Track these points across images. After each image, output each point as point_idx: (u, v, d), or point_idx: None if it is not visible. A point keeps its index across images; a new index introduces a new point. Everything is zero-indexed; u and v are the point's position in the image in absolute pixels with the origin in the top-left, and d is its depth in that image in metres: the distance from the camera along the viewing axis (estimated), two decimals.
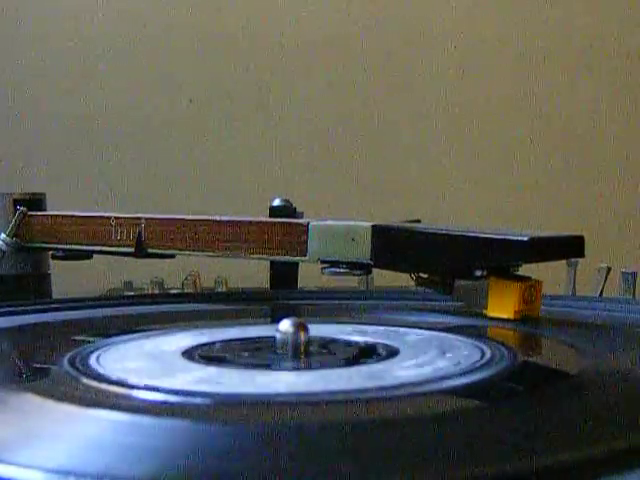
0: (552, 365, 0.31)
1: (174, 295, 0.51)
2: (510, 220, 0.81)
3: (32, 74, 0.84)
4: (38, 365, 0.31)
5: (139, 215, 0.47)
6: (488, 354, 0.28)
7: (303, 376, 0.26)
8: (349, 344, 0.31)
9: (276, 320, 0.29)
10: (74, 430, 0.21)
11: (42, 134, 0.83)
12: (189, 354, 0.29)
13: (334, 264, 0.41)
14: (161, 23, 0.84)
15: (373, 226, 0.40)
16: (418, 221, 0.43)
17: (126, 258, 0.47)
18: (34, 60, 0.84)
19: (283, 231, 0.43)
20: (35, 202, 0.51)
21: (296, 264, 0.50)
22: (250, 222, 0.44)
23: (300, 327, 0.28)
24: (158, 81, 0.84)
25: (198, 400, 0.23)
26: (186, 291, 0.55)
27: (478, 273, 0.38)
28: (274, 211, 0.50)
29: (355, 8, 0.85)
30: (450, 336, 0.33)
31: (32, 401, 0.24)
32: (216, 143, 0.84)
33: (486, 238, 0.36)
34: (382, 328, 0.34)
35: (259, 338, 0.32)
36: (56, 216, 0.50)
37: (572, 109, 0.85)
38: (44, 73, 0.84)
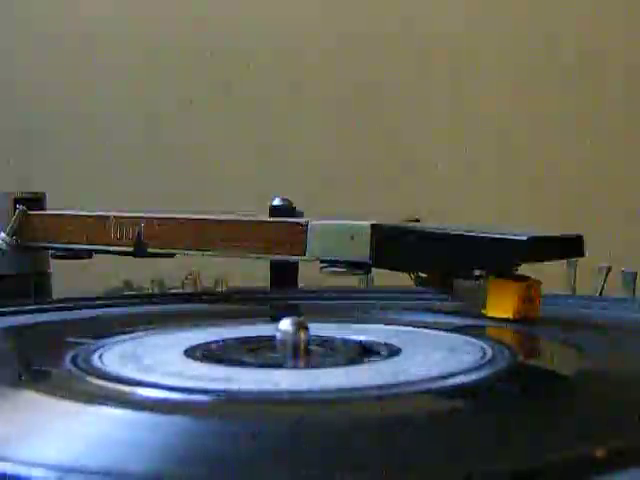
0: (552, 365, 0.31)
1: (174, 295, 0.51)
2: (510, 219, 0.81)
3: (32, 74, 0.84)
4: (40, 364, 0.31)
5: (139, 215, 0.47)
6: (488, 354, 0.28)
7: (303, 375, 0.26)
8: (349, 343, 0.31)
9: (276, 319, 0.29)
10: (77, 427, 0.21)
11: (42, 134, 0.83)
12: (190, 353, 0.29)
13: (333, 263, 0.41)
14: (161, 23, 0.84)
15: (372, 225, 0.40)
16: (418, 221, 0.43)
17: (126, 258, 0.47)
18: (34, 60, 0.84)
19: (283, 230, 0.43)
20: (35, 201, 0.51)
21: (296, 264, 0.50)
22: (250, 222, 0.44)
23: (300, 326, 0.28)
24: (158, 81, 0.84)
25: (199, 398, 0.23)
26: (186, 291, 0.55)
27: (477, 273, 0.38)
28: (274, 210, 0.50)
29: (357, 7, 0.85)
30: (450, 335, 0.33)
31: (36, 399, 0.24)
32: (216, 143, 0.84)
33: (485, 238, 0.36)
34: (382, 327, 0.34)
35: (259, 337, 0.32)
36: (56, 215, 0.50)
37: (572, 108, 0.85)
38: (44, 73, 0.84)
